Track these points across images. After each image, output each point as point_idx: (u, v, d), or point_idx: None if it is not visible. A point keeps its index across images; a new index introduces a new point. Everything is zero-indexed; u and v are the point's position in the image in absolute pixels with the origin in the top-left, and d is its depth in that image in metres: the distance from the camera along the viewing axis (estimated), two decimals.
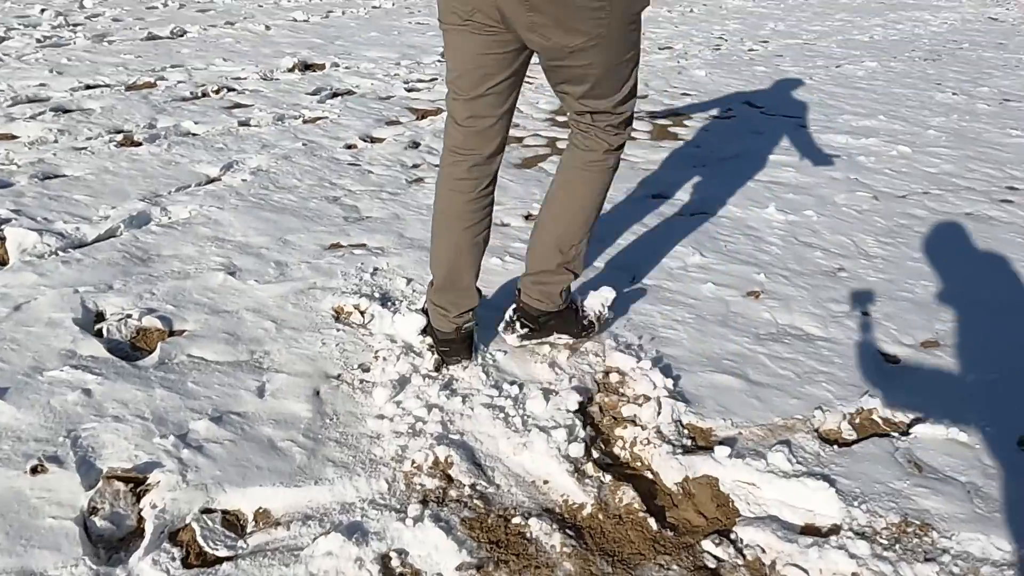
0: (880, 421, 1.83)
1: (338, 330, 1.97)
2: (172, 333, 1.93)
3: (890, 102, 4.89)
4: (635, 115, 4.03)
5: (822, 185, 3.31)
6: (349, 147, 3.29)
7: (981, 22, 9.33)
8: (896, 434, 1.78)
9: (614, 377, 1.89)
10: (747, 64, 5.68)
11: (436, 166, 3.15)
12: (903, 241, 2.82)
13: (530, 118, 3.93)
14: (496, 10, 1.50)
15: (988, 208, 3.22)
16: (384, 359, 1.85)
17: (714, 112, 4.34)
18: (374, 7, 6.55)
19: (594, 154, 1.77)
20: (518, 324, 1.92)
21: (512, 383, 1.81)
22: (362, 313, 2.04)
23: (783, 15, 8.33)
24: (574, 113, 1.75)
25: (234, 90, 3.96)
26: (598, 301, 2.05)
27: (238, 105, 3.72)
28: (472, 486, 1.51)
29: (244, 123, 3.46)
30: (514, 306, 1.93)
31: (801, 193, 3.19)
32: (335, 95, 4.02)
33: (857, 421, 1.82)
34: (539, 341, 1.95)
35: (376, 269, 2.28)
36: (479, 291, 1.85)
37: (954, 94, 5.25)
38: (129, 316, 1.95)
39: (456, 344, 1.83)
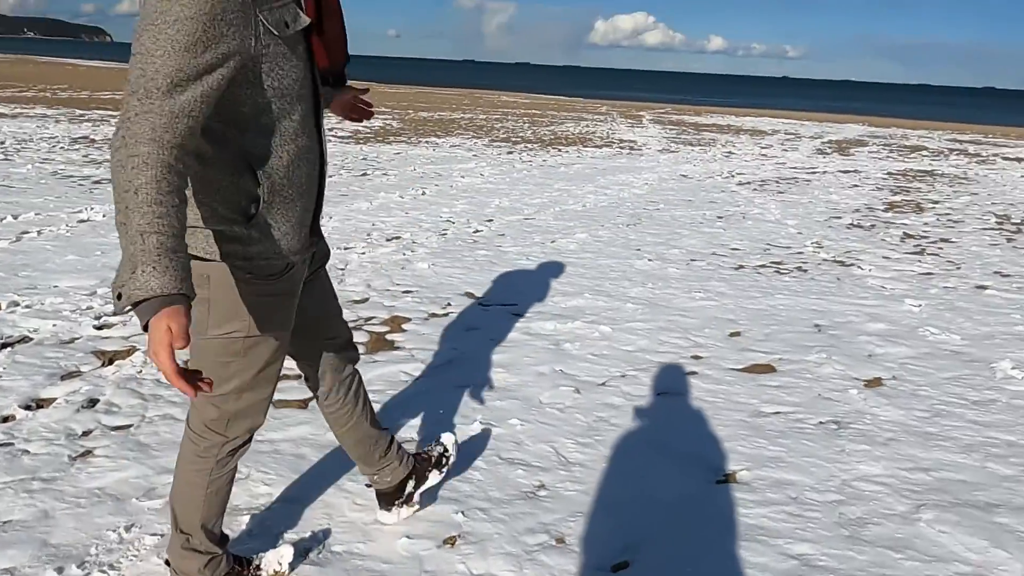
0: None
1: None
2: None
3: (596, 275, 5.35)
4: (352, 327, 4.00)
5: (529, 384, 3.42)
6: (4, 420, 2.85)
7: (675, 179, 10.84)
8: None
9: None
10: (470, 248, 5.99)
11: (114, 430, 2.82)
12: (600, 439, 2.93)
13: None
14: None
15: (676, 384, 3.51)
16: None
17: (434, 309, 4.43)
18: (81, 220, 6.10)
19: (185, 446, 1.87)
20: None
21: None
22: None
23: (508, 189, 9.05)
24: None
25: None
26: (276, 558, 2.05)
27: None
28: None
29: None
30: None
31: (508, 397, 3.26)
32: (3, 347, 3.55)
33: None
34: None
35: None
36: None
37: (650, 260, 5.89)
38: None
39: None
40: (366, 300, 4.54)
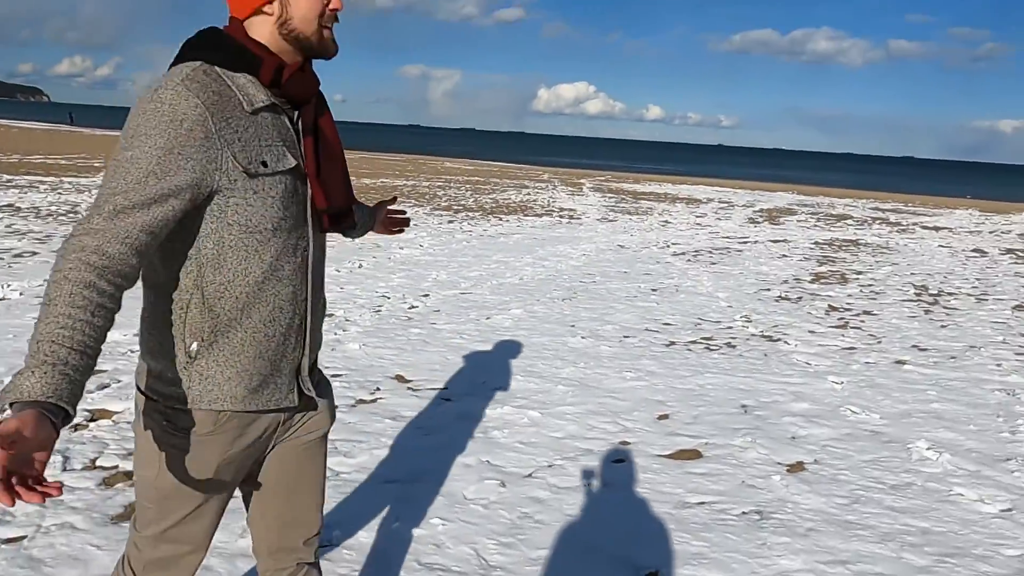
0: None
1: None
2: None
3: (529, 355, 5.35)
4: None
5: (454, 477, 3.36)
6: None
7: (612, 250, 11.06)
8: None
9: None
10: (404, 326, 5.94)
11: (5, 542, 2.64)
12: (524, 538, 2.88)
13: None
14: None
15: (603, 474, 3.49)
16: None
17: (362, 395, 4.35)
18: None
19: None
20: None
21: None
22: None
23: (446, 261, 9.08)
24: None
25: None
26: None
27: None
28: None
29: None
30: None
31: (431, 493, 3.19)
32: None
33: None
34: None
35: None
36: None
37: (583, 337, 5.94)
38: None
39: None
40: None
